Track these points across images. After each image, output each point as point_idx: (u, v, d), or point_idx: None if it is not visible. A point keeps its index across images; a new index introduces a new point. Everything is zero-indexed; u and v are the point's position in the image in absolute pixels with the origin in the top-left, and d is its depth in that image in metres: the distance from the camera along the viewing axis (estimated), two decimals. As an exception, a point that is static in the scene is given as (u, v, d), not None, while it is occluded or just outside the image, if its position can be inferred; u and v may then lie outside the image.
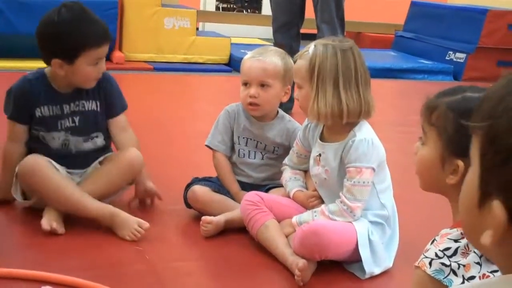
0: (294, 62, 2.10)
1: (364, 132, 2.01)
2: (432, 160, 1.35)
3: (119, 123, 2.38)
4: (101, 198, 2.23)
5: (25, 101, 2.24)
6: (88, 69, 2.19)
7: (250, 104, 2.28)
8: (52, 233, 2.10)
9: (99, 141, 2.35)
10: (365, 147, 1.97)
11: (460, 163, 1.28)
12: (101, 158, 2.35)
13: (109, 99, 2.34)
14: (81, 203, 2.16)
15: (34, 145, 2.29)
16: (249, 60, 2.30)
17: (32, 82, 2.26)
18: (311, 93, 1.99)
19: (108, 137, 2.39)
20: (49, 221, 2.11)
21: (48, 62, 2.22)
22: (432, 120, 1.36)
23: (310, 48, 2.02)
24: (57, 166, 2.23)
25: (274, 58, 2.30)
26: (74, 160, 2.31)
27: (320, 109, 1.97)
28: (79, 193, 2.18)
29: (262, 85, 2.27)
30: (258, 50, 2.33)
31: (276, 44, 4.16)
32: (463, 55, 6.64)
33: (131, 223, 2.13)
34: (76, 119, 2.29)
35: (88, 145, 2.33)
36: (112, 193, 2.32)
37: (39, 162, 2.18)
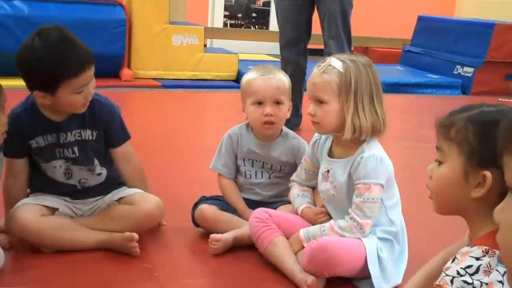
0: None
1: (373, 148, 2.00)
2: (454, 176, 1.34)
3: (121, 154, 2.28)
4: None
5: (18, 136, 2.11)
6: (72, 98, 2.06)
7: (266, 122, 2.28)
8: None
9: (103, 175, 2.28)
10: (374, 164, 1.96)
11: (487, 173, 1.27)
12: (119, 195, 2.27)
13: (108, 130, 2.23)
14: (75, 240, 2.15)
15: (39, 180, 2.24)
16: (260, 80, 2.29)
17: (21, 115, 2.14)
18: (346, 108, 1.96)
19: (113, 171, 2.31)
20: None
21: (31, 92, 2.10)
22: (451, 136, 1.35)
23: (334, 63, 2.00)
24: (53, 202, 2.19)
25: (281, 75, 2.31)
26: (80, 192, 2.27)
27: (362, 124, 1.95)
28: (79, 233, 2.16)
29: (276, 102, 2.28)
30: (262, 69, 2.32)
31: (284, 60, 4.17)
32: (471, 69, 6.64)
33: (122, 241, 2.13)
34: (76, 149, 2.19)
35: (93, 180, 2.26)
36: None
37: (25, 219, 2.09)
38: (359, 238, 1.96)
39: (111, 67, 5.60)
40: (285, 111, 2.30)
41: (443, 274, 1.26)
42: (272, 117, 2.27)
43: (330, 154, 2.10)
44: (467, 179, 1.32)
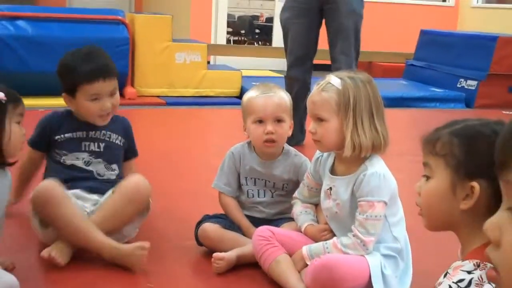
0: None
1: (376, 165, 1.99)
2: (442, 190, 1.35)
3: (131, 166, 2.53)
4: (111, 229, 2.23)
5: (46, 129, 2.41)
6: (87, 104, 2.34)
7: (267, 141, 2.28)
8: (51, 262, 2.11)
9: (115, 173, 2.44)
10: (377, 181, 1.95)
11: (475, 184, 1.28)
12: (113, 188, 2.36)
13: (129, 143, 2.52)
14: (87, 234, 2.16)
15: (57, 168, 2.36)
16: (261, 98, 2.29)
17: (58, 114, 2.45)
18: (345, 126, 1.96)
19: (121, 173, 2.47)
20: (50, 250, 2.13)
21: (62, 95, 2.40)
22: (436, 150, 1.37)
23: (333, 81, 2.00)
24: (69, 193, 2.25)
25: (282, 93, 2.32)
26: (94, 183, 2.36)
27: (362, 141, 1.95)
28: (87, 224, 2.18)
29: (277, 120, 2.28)
30: (263, 87, 2.32)
31: (291, 78, 4.14)
32: (474, 83, 6.64)
33: (132, 249, 2.14)
34: (102, 145, 2.42)
35: (108, 174, 2.42)
36: (122, 223, 2.29)
37: (53, 188, 2.18)
38: (363, 255, 1.95)
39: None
40: (286, 128, 2.30)
41: None
42: (273, 135, 2.26)
43: (333, 171, 2.09)
44: (454, 192, 1.33)
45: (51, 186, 2.19)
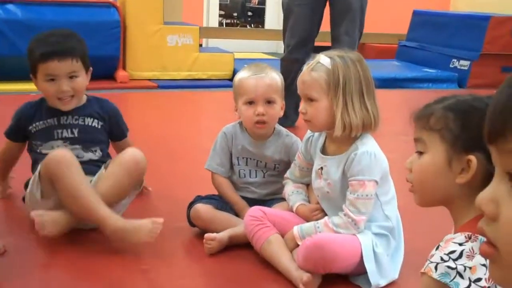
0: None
1: (367, 144, 1.99)
2: (437, 164, 1.35)
3: (124, 146, 2.47)
4: (111, 201, 2.21)
5: (21, 120, 2.42)
6: (45, 85, 2.34)
7: (258, 122, 2.27)
8: (39, 227, 2.12)
9: (98, 154, 2.42)
10: (368, 160, 1.95)
11: (472, 157, 1.29)
12: (105, 164, 2.34)
13: (114, 126, 2.50)
14: (92, 204, 2.13)
15: (36, 161, 2.35)
16: (251, 79, 2.28)
17: (32, 104, 2.43)
18: (335, 105, 1.95)
19: (107, 154, 2.48)
20: (42, 214, 2.13)
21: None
22: (430, 125, 1.37)
23: (322, 60, 1.99)
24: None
25: (273, 74, 2.30)
26: None
27: (352, 121, 1.94)
28: (93, 193, 2.16)
29: (268, 102, 2.27)
30: (254, 68, 2.32)
31: (291, 60, 4.05)
32: (467, 63, 6.64)
33: (144, 224, 2.11)
34: (75, 131, 2.39)
35: (88, 155, 2.40)
36: (121, 196, 2.28)
37: (65, 153, 2.19)
38: (354, 234, 1.95)
39: (106, 69, 5.58)
40: (278, 110, 2.29)
41: (427, 262, 1.27)
42: (264, 117, 2.26)
43: (324, 151, 2.09)
44: (450, 165, 1.33)
45: (63, 151, 2.21)
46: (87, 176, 2.25)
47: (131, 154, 2.30)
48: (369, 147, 1.98)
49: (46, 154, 2.27)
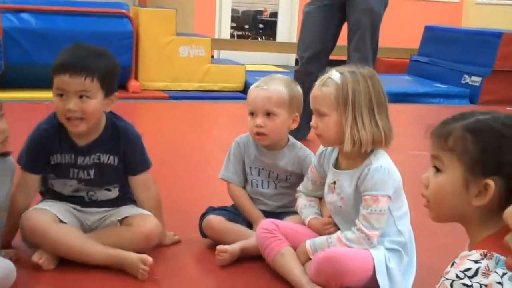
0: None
1: (380, 159, 1.99)
2: (454, 185, 1.32)
3: (140, 182, 2.27)
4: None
5: (42, 150, 2.17)
6: (55, 99, 2.11)
7: (257, 134, 2.28)
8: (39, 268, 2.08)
9: (114, 193, 2.28)
10: (381, 175, 1.95)
11: (490, 182, 1.26)
12: (123, 214, 2.24)
13: (129, 158, 2.23)
14: (84, 250, 2.10)
15: (49, 190, 2.26)
16: (254, 90, 2.31)
17: (48, 131, 2.17)
18: (344, 121, 1.95)
19: (125, 190, 2.31)
20: (40, 255, 2.10)
21: None
22: (449, 146, 1.33)
23: (333, 76, 2.00)
24: (64, 215, 2.17)
25: (279, 86, 2.30)
26: (88, 204, 2.26)
27: (362, 136, 1.94)
28: (81, 241, 2.11)
29: (268, 114, 2.27)
30: (264, 79, 2.33)
31: (305, 73, 4.04)
32: (478, 79, 6.63)
33: (136, 262, 2.07)
34: (91, 172, 2.20)
35: (103, 195, 2.26)
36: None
37: (36, 218, 2.11)
38: (367, 249, 1.95)
39: (118, 79, 5.61)
40: (279, 122, 2.28)
41: (442, 278, 1.26)
42: (262, 129, 2.27)
43: (337, 165, 2.09)
44: (467, 188, 1.31)
45: (34, 216, 2.11)
46: (99, 210, 2.24)
47: (144, 231, 2.17)
48: (382, 162, 1.98)
49: (54, 191, 2.23)
